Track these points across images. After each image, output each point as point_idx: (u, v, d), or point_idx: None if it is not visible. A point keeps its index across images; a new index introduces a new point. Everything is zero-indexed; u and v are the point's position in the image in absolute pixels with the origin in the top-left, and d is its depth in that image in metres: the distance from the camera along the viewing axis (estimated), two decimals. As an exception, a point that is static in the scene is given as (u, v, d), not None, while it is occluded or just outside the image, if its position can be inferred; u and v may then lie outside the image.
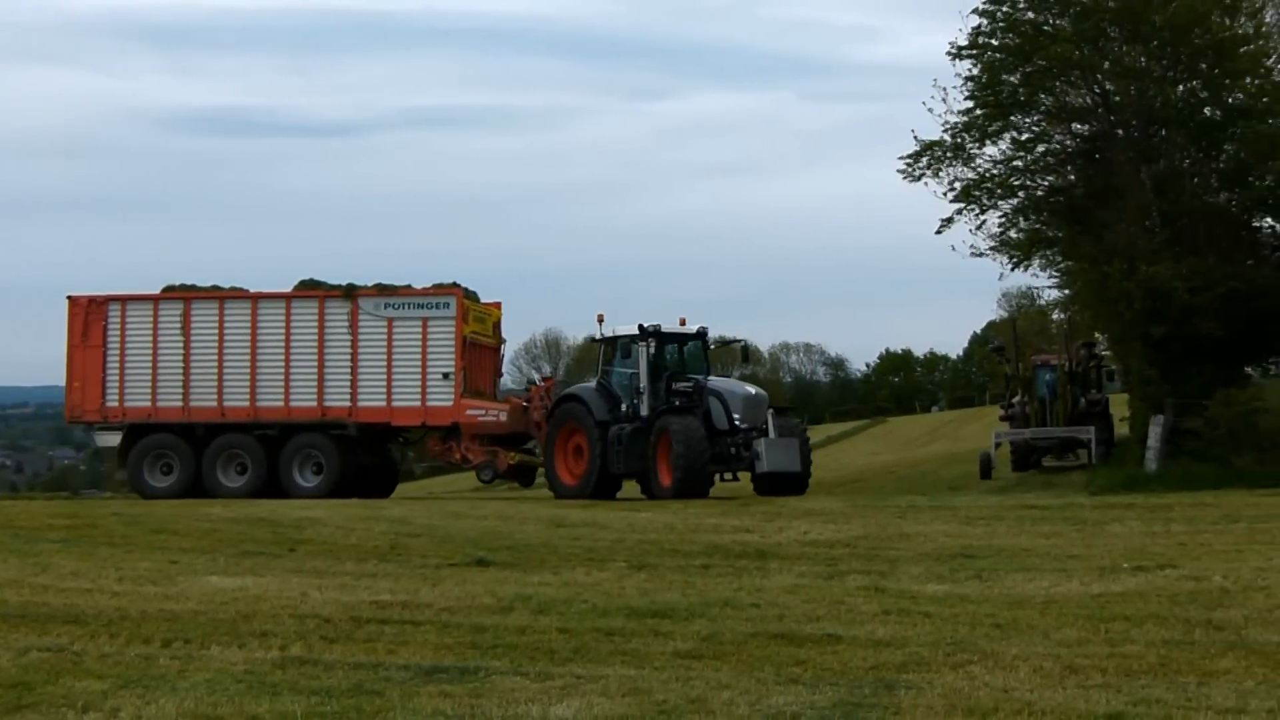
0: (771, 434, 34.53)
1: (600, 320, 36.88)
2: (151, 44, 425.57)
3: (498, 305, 41.45)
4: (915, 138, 40.02)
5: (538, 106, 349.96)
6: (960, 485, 40.40)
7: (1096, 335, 46.71)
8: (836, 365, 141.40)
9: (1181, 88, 39.09)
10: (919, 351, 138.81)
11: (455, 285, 38.88)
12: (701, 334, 36.90)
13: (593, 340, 38.30)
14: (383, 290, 39.21)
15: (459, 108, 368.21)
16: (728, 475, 35.23)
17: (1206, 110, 39.03)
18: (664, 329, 36.06)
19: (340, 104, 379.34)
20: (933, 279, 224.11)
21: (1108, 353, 45.83)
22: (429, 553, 19.99)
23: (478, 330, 39.58)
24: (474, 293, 39.95)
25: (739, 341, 39.27)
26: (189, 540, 22.13)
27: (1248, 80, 38.64)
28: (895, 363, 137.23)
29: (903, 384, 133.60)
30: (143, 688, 10.02)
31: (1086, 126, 40.50)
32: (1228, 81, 38.49)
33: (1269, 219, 40.28)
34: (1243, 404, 36.52)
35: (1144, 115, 38.51)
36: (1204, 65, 38.53)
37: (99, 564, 18.46)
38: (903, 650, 11.24)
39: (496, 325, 41.30)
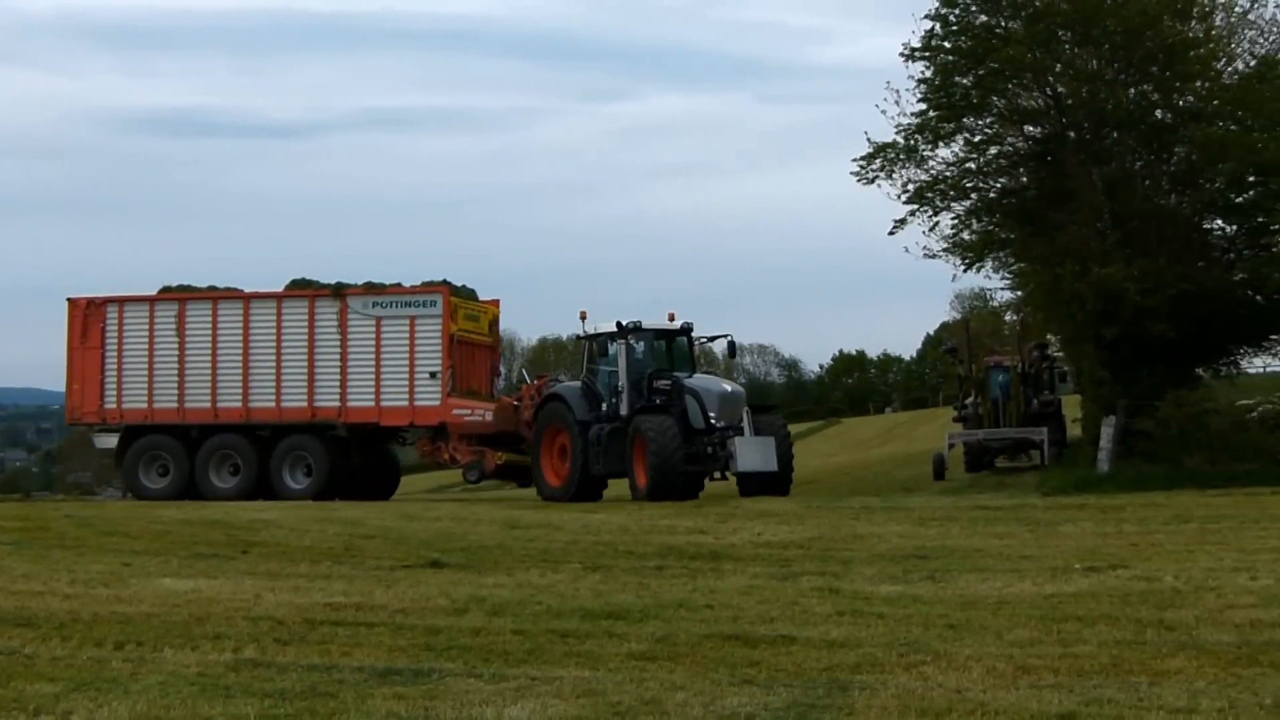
0: (748, 432, 33.71)
1: (583, 317, 36.08)
2: (104, 45, 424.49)
3: (495, 303, 40.79)
4: (869, 140, 40.16)
5: (494, 108, 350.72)
6: (914, 486, 40.49)
7: (1049, 336, 46.90)
8: (790, 366, 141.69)
9: (1133, 90, 39.28)
10: (873, 353, 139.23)
11: (443, 283, 38.33)
12: (686, 330, 36.11)
13: (577, 338, 37.23)
14: (371, 289, 38.72)
15: (415, 109, 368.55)
16: (716, 475, 34.30)
17: (1157, 113, 39.25)
18: (645, 325, 35.34)
19: (295, 105, 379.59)
20: (886, 280, 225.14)
21: (1060, 354, 46.02)
22: (383, 554, 19.95)
23: (469, 328, 38.99)
24: (470, 290, 39.51)
25: (724, 337, 37.85)
26: (141, 542, 22.04)
27: (1198, 84, 38.87)
28: (849, 364, 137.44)
29: (856, 385, 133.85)
30: (95, 690, 9.97)
31: (1039, 129, 40.66)
32: (1178, 84, 38.70)
33: (1219, 221, 40.55)
34: (1193, 405, 36.68)
35: (1096, 118, 38.68)
36: (1155, 68, 38.72)
37: (51, 566, 18.36)
38: (856, 651, 11.27)
39: (493, 323, 40.67)
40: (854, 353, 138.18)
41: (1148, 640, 11.64)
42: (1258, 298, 38.55)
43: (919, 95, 39.51)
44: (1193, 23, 39.12)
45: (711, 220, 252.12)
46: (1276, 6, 39.72)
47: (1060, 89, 39.31)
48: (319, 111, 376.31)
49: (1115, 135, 39.16)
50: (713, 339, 38.18)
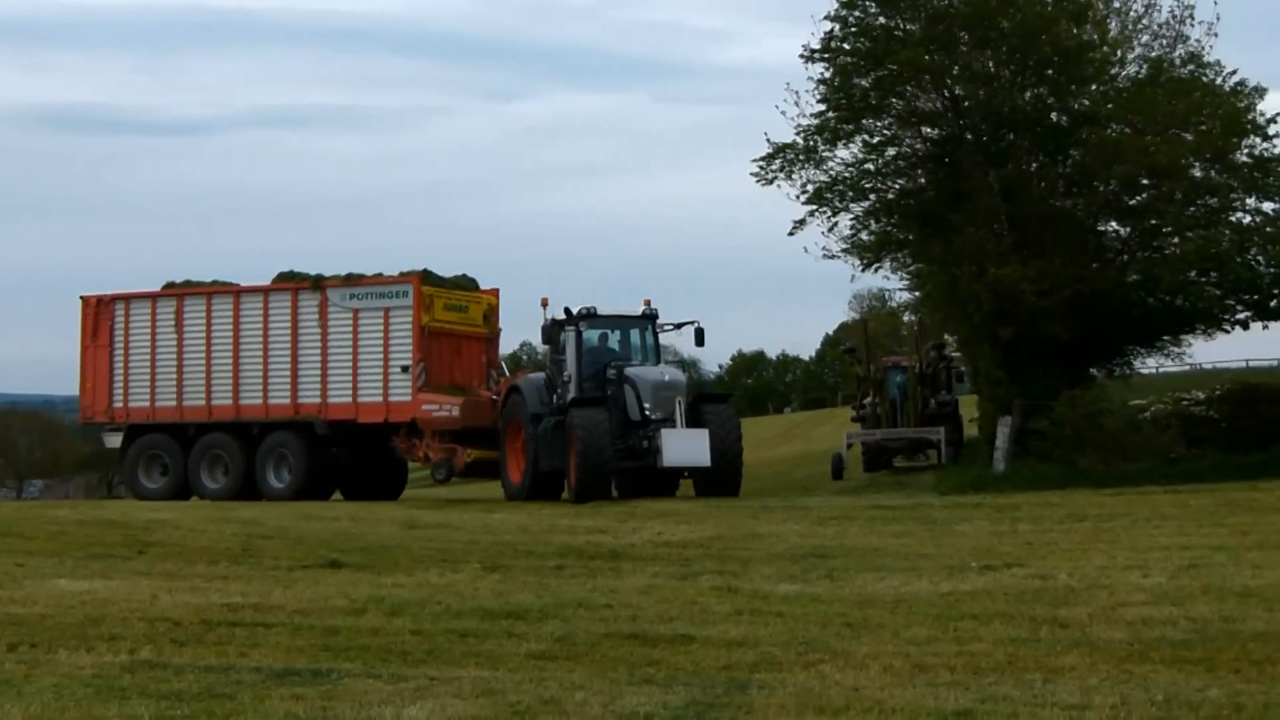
0: (680, 424, 31.85)
1: (544, 305, 34.42)
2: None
3: (493, 292, 39.01)
4: (768, 140, 40.26)
5: (394, 107, 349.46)
6: (812, 486, 40.64)
7: (946, 337, 47.18)
8: (689, 366, 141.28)
9: (1029, 93, 39.60)
10: (771, 353, 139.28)
11: (421, 272, 36.89)
12: (649, 317, 34.62)
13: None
14: (348, 280, 37.44)
15: (313, 107, 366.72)
16: (686, 474, 32.69)
17: (1053, 116, 39.58)
18: (600, 312, 34.01)
19: (192, 102, 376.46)
20: (785, 281, 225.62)
21: (957, 354, 46.30)
22: (281, 554, 19.84)
23: (451, 319, 37.35)
24: (466, 279, 38.42)
25: (691, 324, 35.19)
26: (36, 543, 21.74)
27: (1093, 87, 39.26)
28: (748, 364, 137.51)
29: (755, 385, 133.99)
30: (-12, 693, 9.87)
31: (936, 130, 40.89)
32: (1073, 88, 39.04)
33: (1113, 223, 40.91)
34: (1087, 405, 37.01)
35: (992, 120, 38.98)
36: (1051, 71, 39.05)
37: (-58, 568, 18.13)
38: (755, 650, 11.33)
39: (489, 313, 38.68)
40: (753, 353, 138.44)
41: (1042, 638, 11.77)
42: (1150, 299, 38.95)
43: (818, 96, 39.66)
44: (1088, 27, 39.49)
45: (610, 220, 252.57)
46: (1170, 11, 39.86)
47: (958, 91, 39.58)
48: (218, 108, 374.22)
49: (1011, 138, 39.48)
50: (679, 326, 35.77)
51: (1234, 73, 39.29)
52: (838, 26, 39.32)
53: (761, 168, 40.29)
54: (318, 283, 37.57)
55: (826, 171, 40.24)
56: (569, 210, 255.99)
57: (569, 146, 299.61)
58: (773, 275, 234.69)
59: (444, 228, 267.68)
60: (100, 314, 39.55)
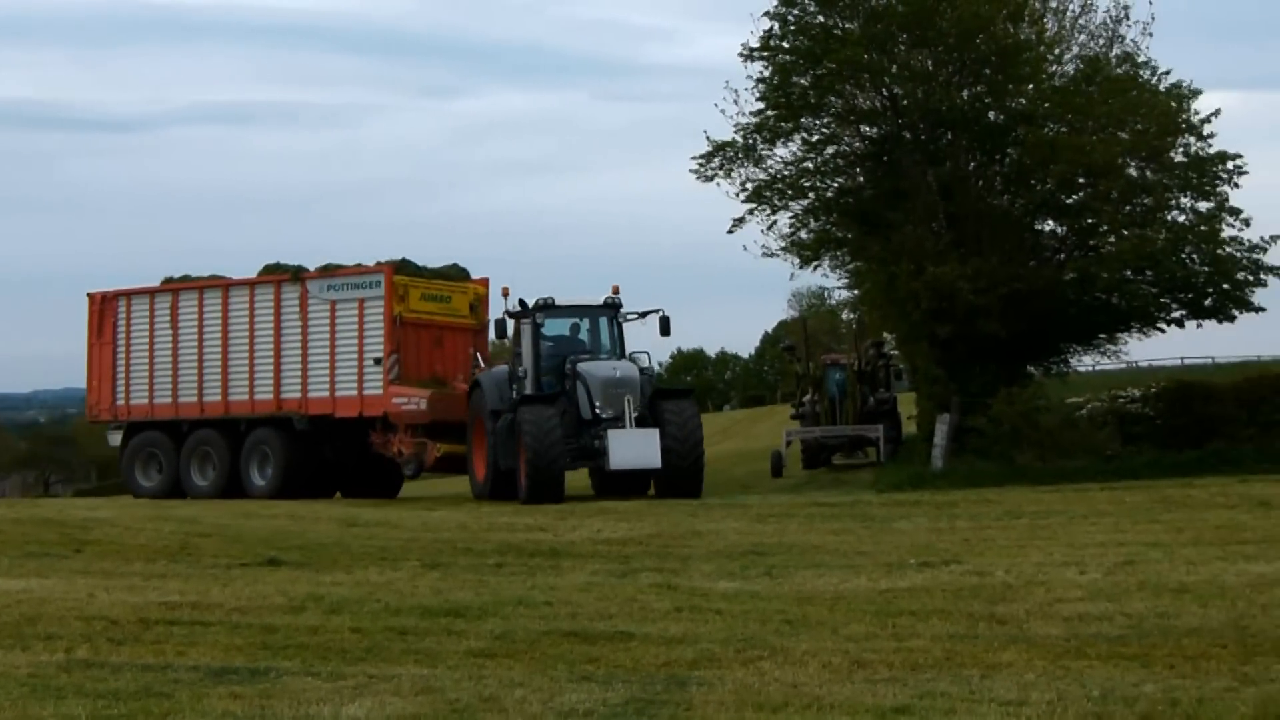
0: (629, 423, 30.42)
1: (505, 294, 33.37)
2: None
3: (482, 282, 38.05)
4: (708, 138, 40.30)
5: (333, 104, 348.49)
6: (751, 483, 40.69)
7: (885, 335, 47.31)
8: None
9: (967, 92, 39.74)
10: (711, 350, 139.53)
11: (399, 262, 36.24)
12: (611, 306, 33.32)
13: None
14: (326, 271, 36.89)
15: (254, 104, 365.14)
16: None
17: (990, 115, 39.75)
18: (558, 303, 32.88)
19: (132, 99, 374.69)
20: (725, 278, 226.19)
21: (896, 352, 46.43)
22: (219, 552, 19.75)
23: (431, 310, 36.59)
24: (456, 269, 37.86)
25: (655, 312, 33.67)
26: (-30, 542, 21.61)
27: (1029, 86, 39.45)
28: (687, 361, 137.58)
29: (695, 383, 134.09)
30: (-78, 693, 9.80)
31: (875, 129, 41.00)
32: (1011, 87, 39.23)
33: (1050, 222, 41.14)
34: (1025, 403, 37.18)
35: (930, 119, 39.12)
36: (988, 71, 39.24)
37: (-125, 567, 17.98)
38: (694, 647, 11.35)
39: (475, 304, 37.68)
40: (692, 350, 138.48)
41: (979, 634, 11.83)
42: (1086, 297, 39.15)
43: (757, 95, 39.72)
44: (1025, 26, 39.71)
45: (549, 217, 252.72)
46: (1106, 11, 40.16)
47: (896, 90, 39.70)
48: (155, 105, 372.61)
49: (949, 136, 39.62)
50: (643, 315, 34.04)
51: (1169, 73, 39.64)
52: (777, 25, 39.40)
53: (701, 166, 40.35)
54: (297, 274, 37.13)
55: (766, 170, 40.31)
56: (506, 208, 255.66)
57: (508, 145, 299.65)
58: (712, 273, 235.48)
59: (383, 226, 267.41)
60: (105, 310, 39.23)
